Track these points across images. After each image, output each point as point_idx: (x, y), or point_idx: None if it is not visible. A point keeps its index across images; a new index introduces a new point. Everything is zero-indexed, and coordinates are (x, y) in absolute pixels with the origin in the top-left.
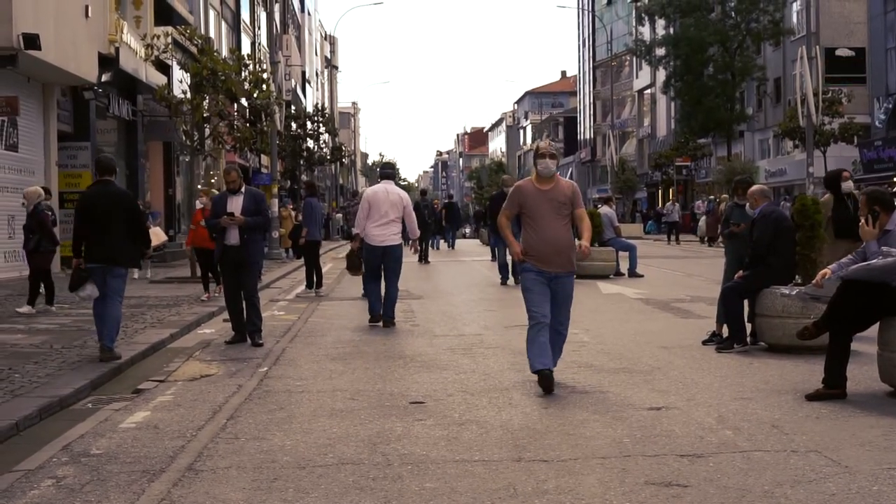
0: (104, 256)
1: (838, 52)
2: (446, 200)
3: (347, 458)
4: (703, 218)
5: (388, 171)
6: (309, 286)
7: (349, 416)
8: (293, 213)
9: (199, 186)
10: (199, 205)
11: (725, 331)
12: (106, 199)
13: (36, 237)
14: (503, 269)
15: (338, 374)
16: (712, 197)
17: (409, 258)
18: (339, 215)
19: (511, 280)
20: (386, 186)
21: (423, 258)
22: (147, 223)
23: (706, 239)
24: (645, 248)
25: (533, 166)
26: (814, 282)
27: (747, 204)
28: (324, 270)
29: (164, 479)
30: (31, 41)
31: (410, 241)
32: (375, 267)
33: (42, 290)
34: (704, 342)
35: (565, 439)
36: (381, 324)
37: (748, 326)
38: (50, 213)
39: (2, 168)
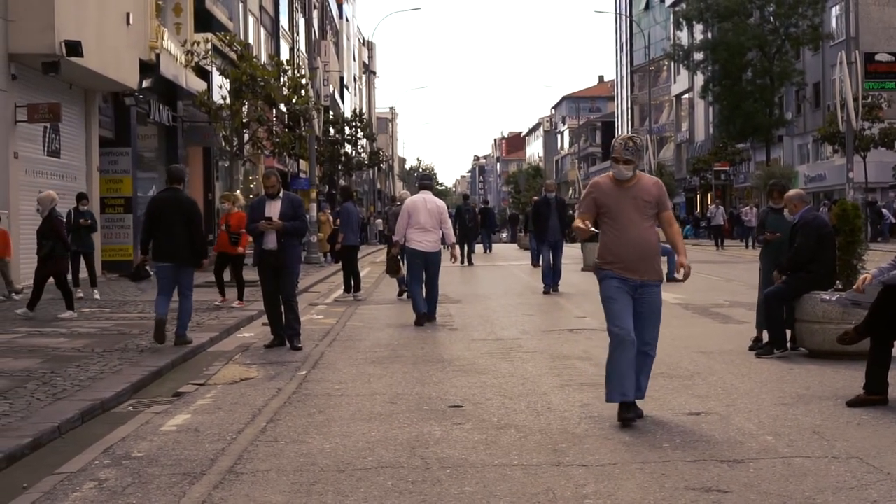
0: (169, 255)
1: (878, 57)
2: (482, 205)
3: (386, 461)
4: None
5: (426, 182)
6: (347, 290)
7: (388, 419)
8: (331, 218)
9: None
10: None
11: (766, 336)
12: (172, 205)
13: (50, 243)
14: (547, 275)
15: (376, 377)
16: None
17: (451, 263)
18: (380, 220)
19: (551, 289)
20: (424, 196)
21: (467, 260)
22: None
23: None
24: (692, 253)
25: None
26: (854, 287)
27: (785, 210)
28: (362, 275)
29: (205, 482)
30: (74, 48)
31: (448, 247)
32: (418, 271)
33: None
34: (751, 349)
35: (604, 444)
36: (423, 323)
37: (787, 332)
38: (86, 218)
39: (44, 173)
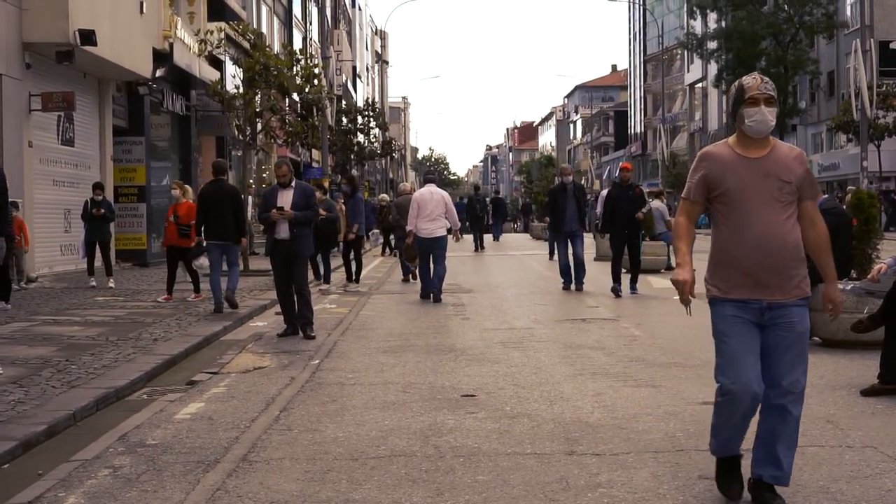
0: (218, 236)
1: (893, 45)
2: (493, 195)
3: (400, 450)
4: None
5: (430, 176)
6: (349, 279)
7: (401, 408)
8: (344, 208)
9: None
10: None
11: None
12: (219, 194)
13: None
14: (566, 272)
15: (389, 366)
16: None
17: (463, 249)
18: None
19: (573, 285)
20: (430, 189)
21: (480, 246)
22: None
23: None
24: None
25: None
26: (869, 276)
27: None
28: (370, 266)
29: (219, 470)
30: (88, 37)
31: (453, 232)
32: (426, 254)
33: None
34: None
35: (617, 433)
36: (431, 298)
37: None
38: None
39: (58, 162)
